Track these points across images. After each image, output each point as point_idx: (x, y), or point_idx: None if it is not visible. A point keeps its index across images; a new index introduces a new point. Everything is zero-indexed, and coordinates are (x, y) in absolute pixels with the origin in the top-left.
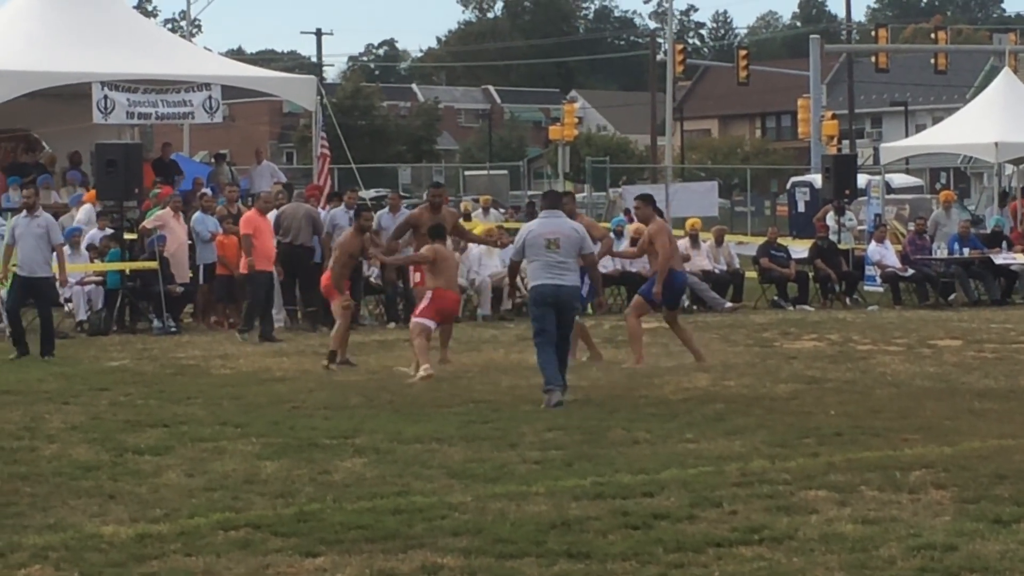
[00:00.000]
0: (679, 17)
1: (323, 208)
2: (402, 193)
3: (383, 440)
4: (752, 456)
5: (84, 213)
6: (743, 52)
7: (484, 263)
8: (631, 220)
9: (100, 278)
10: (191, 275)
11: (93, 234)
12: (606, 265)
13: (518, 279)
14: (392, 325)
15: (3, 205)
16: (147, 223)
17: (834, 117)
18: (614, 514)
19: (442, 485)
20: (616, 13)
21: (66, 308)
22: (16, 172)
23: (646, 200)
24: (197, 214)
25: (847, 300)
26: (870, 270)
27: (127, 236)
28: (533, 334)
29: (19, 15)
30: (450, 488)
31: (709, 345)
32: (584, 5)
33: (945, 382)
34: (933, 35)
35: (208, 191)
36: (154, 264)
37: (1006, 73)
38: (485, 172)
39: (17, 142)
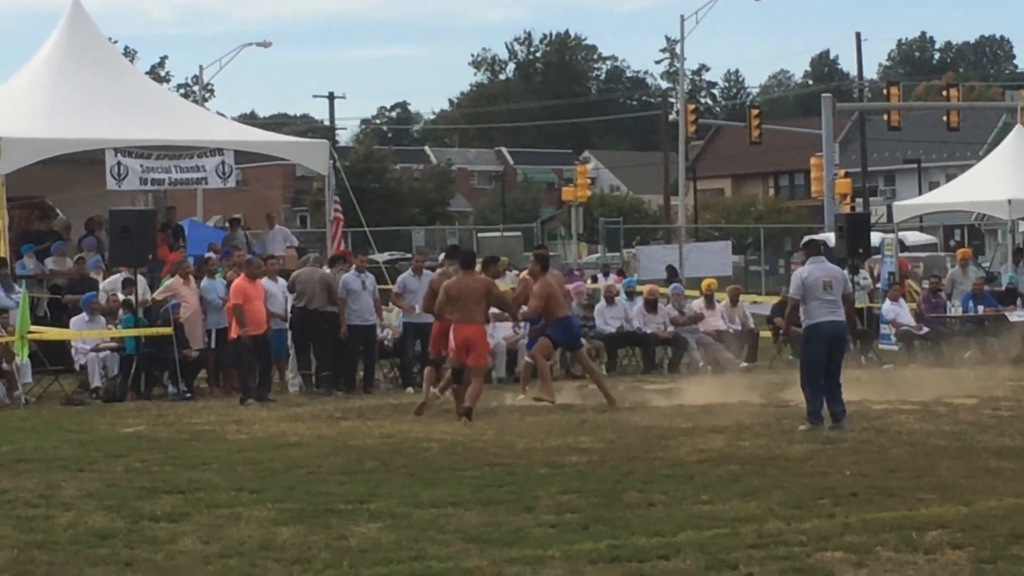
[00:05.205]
0: (691, 77)
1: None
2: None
3: (399, 505)
4: (768, 517)
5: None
6: (755, 111)
7: (498, 325)
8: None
9: (116, 344)
10: (205, 340)
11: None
12: (608, 324)
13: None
14: (410, 390)
15: (18, 272)
16: (156, 294)
17: (847, 175)
18: None
19: (458, 550)
20: (628, 73)
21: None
22: (31, 239)
23: None
24: (205, 280)
25: (862, 359)
26: (885, 328)
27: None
28: None
29: (32, 83)
30: (466, 553)
31: (725, 405)
32: (596, 66)
33: (961, 441)
34: (945, 92)
35: (212, 255)
36: (169, 330)
37: (1018, 130)
38: (499, 234)
39: (31, 209)
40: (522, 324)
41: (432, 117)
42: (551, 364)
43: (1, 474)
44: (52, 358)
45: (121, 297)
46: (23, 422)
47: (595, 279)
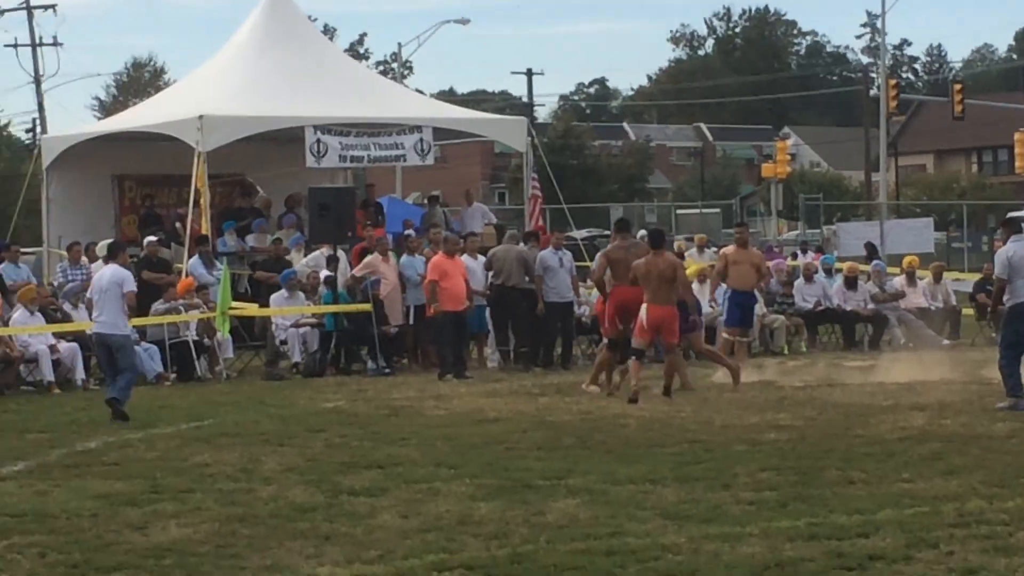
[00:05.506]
0: (892, 51)
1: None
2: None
3: (596, 481)
4: (969, 496)
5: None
6: (958, 86)
7: (698, 303)
8: None
9: (316, 320)
10: (405, 316)
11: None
12: (806, 301)
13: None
14: None
15: (219, 249)
16: (356, 271)
17: None
18: (829, 555)
19: (655, 526)
20: (828, 48)
21: (281, 349)
22: (231, 216)
23: None
24: (404, 256)
25: None
26: None
27: None
28: None
29: (232, 61)
30: (663, 529)
31: (926, 383)
32: (796, 40)
33: None
34: None
35: (411, 233)
36: (368, 307)
37: None
38: (698, 211)
39: (232, 186)
40: (719, 300)
41: (630, 93)
42: (749, 340)
43: (203, 448)
44: (251, 333)
45: (324, 274)
46: (225, 396)
47: (794, 256)
